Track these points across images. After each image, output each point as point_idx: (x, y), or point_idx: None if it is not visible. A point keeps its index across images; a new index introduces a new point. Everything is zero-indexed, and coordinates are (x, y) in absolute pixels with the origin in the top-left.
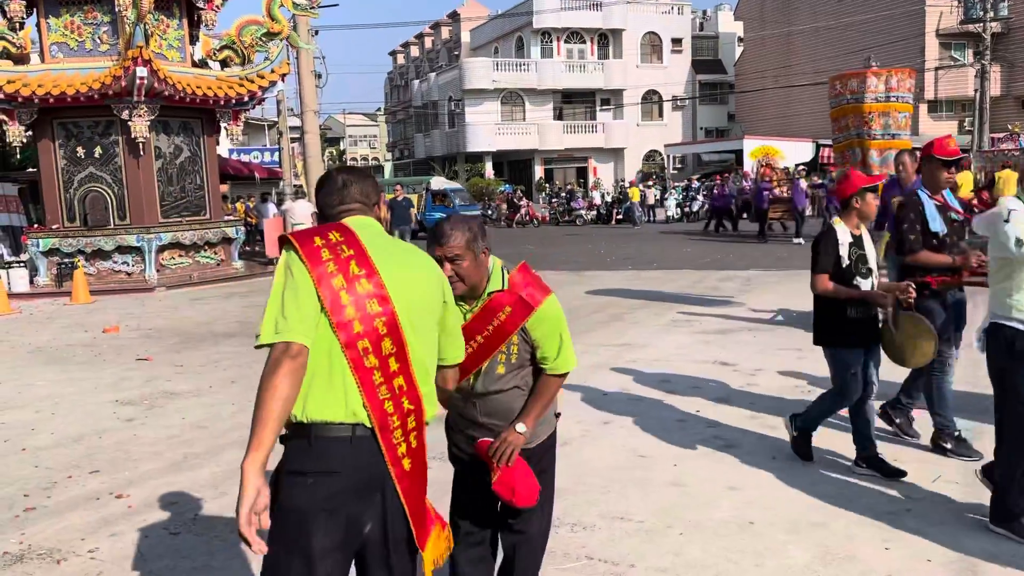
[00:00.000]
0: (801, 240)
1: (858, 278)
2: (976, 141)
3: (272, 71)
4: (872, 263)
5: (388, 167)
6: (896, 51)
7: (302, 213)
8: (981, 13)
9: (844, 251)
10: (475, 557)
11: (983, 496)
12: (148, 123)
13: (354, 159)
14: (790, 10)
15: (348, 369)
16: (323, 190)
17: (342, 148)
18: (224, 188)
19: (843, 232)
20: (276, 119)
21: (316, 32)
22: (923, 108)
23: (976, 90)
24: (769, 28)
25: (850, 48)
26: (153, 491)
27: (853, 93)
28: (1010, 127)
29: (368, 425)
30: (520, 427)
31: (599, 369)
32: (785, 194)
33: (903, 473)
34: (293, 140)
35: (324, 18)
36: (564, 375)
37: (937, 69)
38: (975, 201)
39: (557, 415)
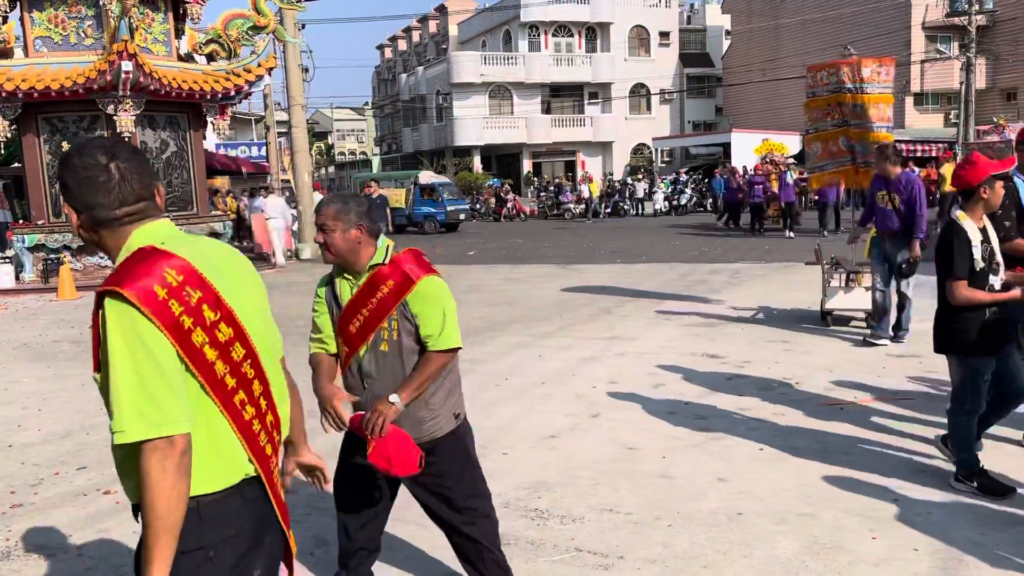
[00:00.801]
0: (792, 234)
1: (991, 277)
2: (961, 134)
3: (259, 65)
4: (999, 255)
5: (376, 161)
6: (882, 44)
7: (275, 208)
8: (966, 6)
9: (977, 253)
10: (367, 530)
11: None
12: (134, 118)
13: (342, 153)
14: (777, 3)
15: (231, 430)
16: (90, 184)
17: (330, 142)
18: (220, 182)
19: (972, 229)
20: (263, 113)
21: (303, 26)
22: (909, 100)
23: (961, 83)
24: (756, 21)
25: (837, 41)
26: None
27: (810, 87)
28: (995, 119)
29: (253, 474)
30: (393, 398)
31: (588, 362)
32: (774, 188)
33: (1012, 491)
34: (280, 135)
35: (310, 11)
36: (448, 351)
37: (923, 62)
38: None
39: (457, 415)
